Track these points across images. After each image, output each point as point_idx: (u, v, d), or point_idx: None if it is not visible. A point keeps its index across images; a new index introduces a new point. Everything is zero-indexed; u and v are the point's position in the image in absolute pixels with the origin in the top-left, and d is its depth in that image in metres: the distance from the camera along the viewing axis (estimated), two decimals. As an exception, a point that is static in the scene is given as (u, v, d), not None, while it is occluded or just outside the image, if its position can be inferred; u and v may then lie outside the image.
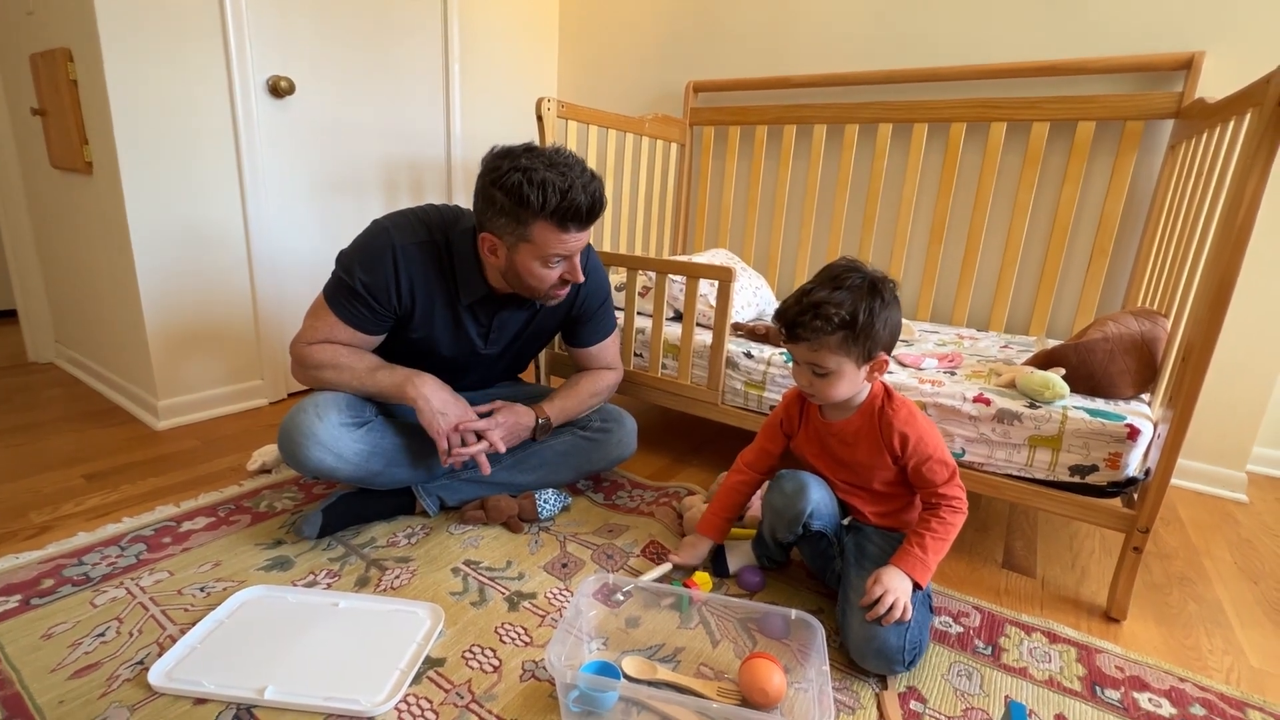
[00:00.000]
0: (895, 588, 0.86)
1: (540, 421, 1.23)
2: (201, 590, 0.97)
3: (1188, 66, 1.42)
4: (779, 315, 0.90)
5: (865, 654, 0.86)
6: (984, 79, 1.66)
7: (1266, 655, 0.98)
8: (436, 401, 1.09)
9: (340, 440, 1.06)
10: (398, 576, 1.03)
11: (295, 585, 1.00)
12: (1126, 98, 1.47)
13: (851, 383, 0.90)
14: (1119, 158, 1.52)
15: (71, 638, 0.86)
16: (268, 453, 1.39)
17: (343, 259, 1.10)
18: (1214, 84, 1.40)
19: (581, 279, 1.10)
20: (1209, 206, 1.02)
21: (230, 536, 1.12)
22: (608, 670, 0.82)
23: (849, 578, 0.95)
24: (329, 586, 1.00)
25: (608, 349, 1.36)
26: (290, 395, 1.88)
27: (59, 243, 1.88)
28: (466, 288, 1.13)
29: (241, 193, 1.65)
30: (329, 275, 1.12)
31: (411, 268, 1.09)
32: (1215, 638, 1.01)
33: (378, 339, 1.14)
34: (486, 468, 1.14)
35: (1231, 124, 1.02)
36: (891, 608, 0.84)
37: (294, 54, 1.69)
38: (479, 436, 1.13)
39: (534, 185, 0.97)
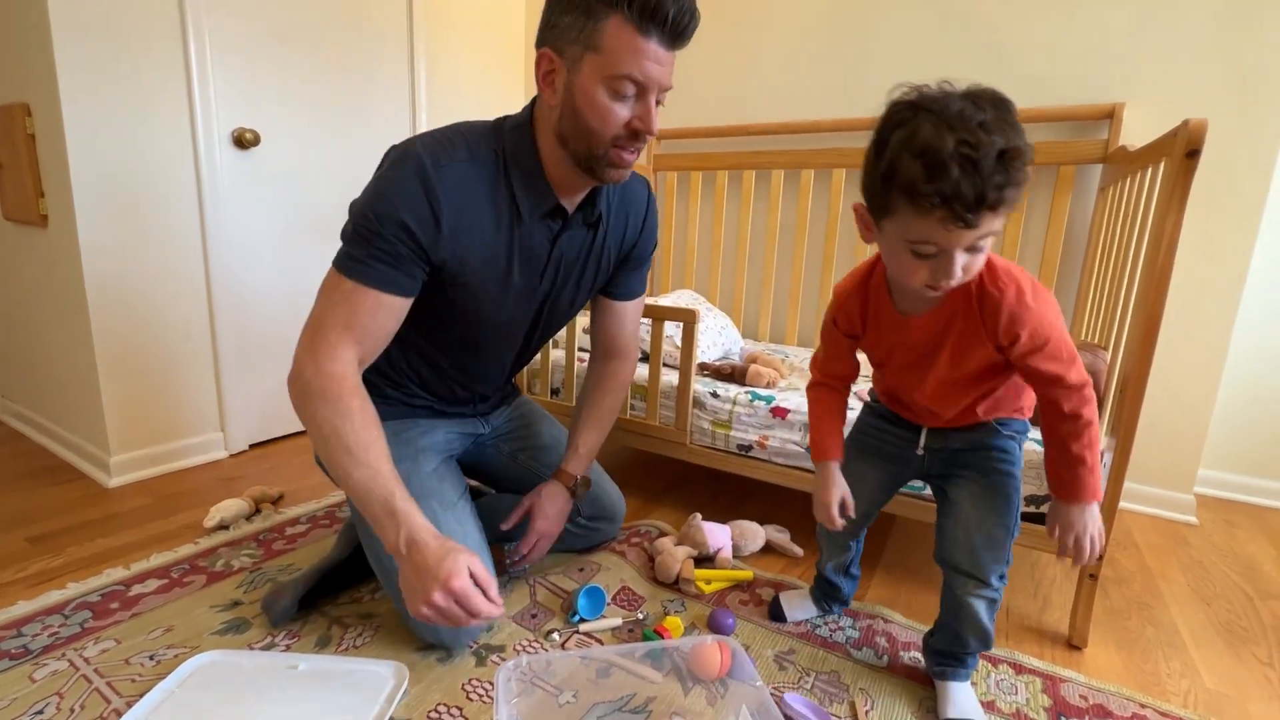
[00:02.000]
0: (1084, 524, 0.76)
1: (576, 490, 1.12)
2: (151, 658, 0.93)
3: (1110, 116, 1.53)
4: (953, 183, 0.61)
5: (973, 563, 0.84)
6: (928, 127, 1.76)
7: (1221, 676, 1.01)
8: (430, 556, 0.78)
9: None
10: (360, 634, 1.00)
11: (252, 648, 0.96)
12: (1059, 144, 1.57)
13: None
14: (1055, 199, 1.61)
15: (6, 717, 0.81)
16: (226, 508, 1.35)
17: (355, 203, 0.86)
18: (1137, 131, 1.51)
19: (655, 129, 0.85)
20: (1135, 246, 1.10)
21: (184, 599, 1.08)
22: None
23: (950, 499, 0.88)
24: (288, 648, 0.97)
25: (638, 311, 1.18)
26: (251, 446, 1.84)
27: (8, 295, 1.83)
28: (530, 196, 0.90)
29: (204, 243, 1.64)
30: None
31: (456, 190, 0.85)
32: (1173, 660, 1.04)
33: (408, 301, 0.89)
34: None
35: (1149, 170, 1.10)
36: (1092, 545, 0.76)
37: (259, 105, 1.71)
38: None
39: None
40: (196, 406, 1.70)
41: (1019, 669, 0.99)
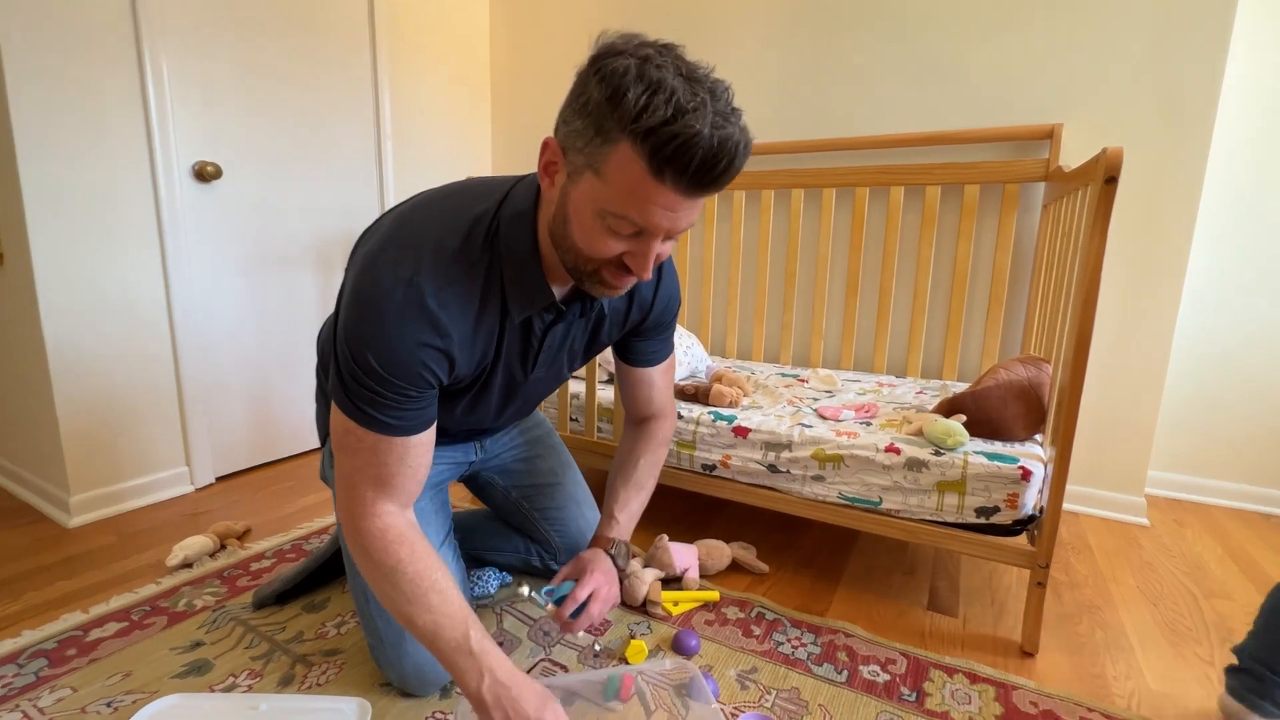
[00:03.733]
0: None
1: (615, 555, 1.01)
2: (109, 705, 0.92)
3: (1050, 136, 1.60)
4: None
5: None
6: (882, 148, 1.82)
7: (1163, 677, 1.05)
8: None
9: None
10: (324, 672, 1.00)
11: (213, 690, 0.95)
12: (1003, 164, 1.64)
13: None
14: (1003, 216, 1.68)
15: (-44, 774, 0.80)
16: (190, 545, 1.33)
17: (353, 343, 0.72)
18: (1073, 151, 1.59)
19: (648, 276, 0.72)
20: (1071, 263, 1.15)
21: (143, 642, 1.07)
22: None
23: None
24: (250, 688, 0.96)
25: (670, 371, 1.08)
26: (218, 479, 1.82)
27: (-36, 333, 1.79)
28: (521, 297, 0.79)
29: (165, 276, 1.63)
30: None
31: (460, 316, 0.76)
32: (1119, 663, 1.08)
33: (434, 424, 0.82)
34: None
35: (1080, 192, 1.16)
36: None
37: (221, 138, 1.71)
38: None
39: (643, 81, 0.61)
40: (160, 441, 1.68)
41: (973, 678, 1.02)
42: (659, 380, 1.06)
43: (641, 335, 1.01)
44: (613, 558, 1.00)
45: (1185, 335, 1.78)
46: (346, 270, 0.79)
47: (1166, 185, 1.54)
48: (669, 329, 1.03)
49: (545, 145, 0.71)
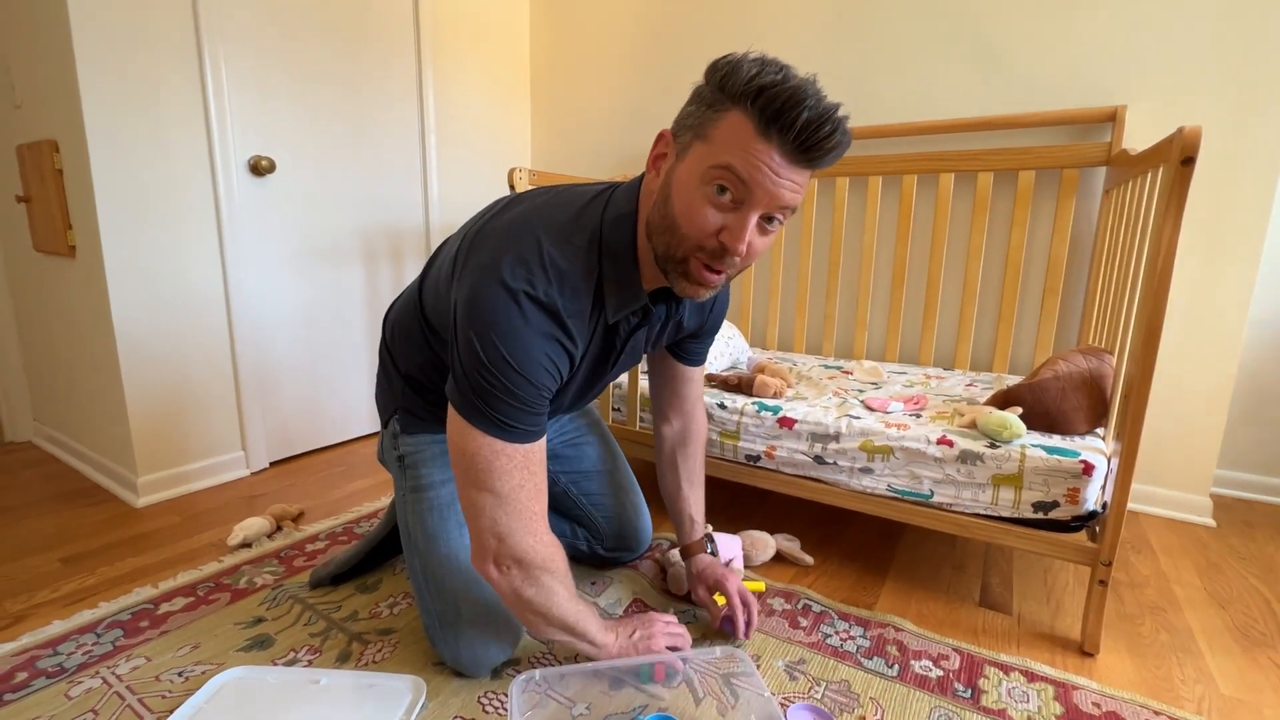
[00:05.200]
0: None
1: (711, 549, 1.16)
2: (180, 675, 0.96)
3: (1113, 119, 1.54)
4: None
5: None
6: (930, 134, 1.77)
7: (1236, 682, 1.00)
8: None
9: None
10: (380, 650, 1.03)
11: (276, 664, 0.99)
12: (1061, 148, 1.57)
13: None
14: (1059, 203, 1.62)
15: (45, 733, 0.85)
16: (249, 526, 1.39)
17: (493, 362, 0.73)
18: (1139, 134, 1.52)
19: (743, 248, 0.71)
20: (1137, 250, 1.10)
21: (209, 616, 1.12)
22: None
23: None
24: (310, 663, 1.00)
25: (704, 372, 1.17)
26: (272, 464, 1.88)
27: (39, 323, 1.90)
28: (618, 298, 0.81)
29: (223, 268, 1.69)
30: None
31: (577, 318, 0.78)
32: (1187, 667, 1.03)
33: None
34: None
35: (1149, 175, 1.11)
36: None
37: (274, 134, 1.76)
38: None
39: (755, 63, 0.66)
40: (218, 426, 1.75)
41: (1031, 676, 0.99)
42: (699, 378, 1.14)
43: (699, 337, 1.07)
44: (711, 553, 1.14)
45: (1259, 327, 1.69)
46: (461, 263, 0.79)
47: (1239, 169, 1.46)
48: (717, 330, 1.10)
49: (659, 138, 0.76)
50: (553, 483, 1.23)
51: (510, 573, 0.81)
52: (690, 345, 1.08)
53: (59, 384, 1.88)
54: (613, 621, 0.95)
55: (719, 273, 0.75)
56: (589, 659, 0.92)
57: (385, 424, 1.08)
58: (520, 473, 0.78)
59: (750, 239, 0.71)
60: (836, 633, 1.10)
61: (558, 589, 0.84)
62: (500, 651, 0.95)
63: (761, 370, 1.49)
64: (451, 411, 0.79)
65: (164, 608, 1.14)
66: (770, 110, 0.65)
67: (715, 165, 0.68)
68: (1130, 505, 1.66)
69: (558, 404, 0.94)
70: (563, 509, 1.25)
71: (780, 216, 0.72)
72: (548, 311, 0.75)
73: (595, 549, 1.24)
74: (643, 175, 0.81)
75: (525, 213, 0.80)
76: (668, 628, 0.97)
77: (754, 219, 0.70)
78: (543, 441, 0.81)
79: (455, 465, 0.79)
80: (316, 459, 1.94)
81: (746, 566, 1.31)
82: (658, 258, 0.77)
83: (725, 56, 0.69)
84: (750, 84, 0.65)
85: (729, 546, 1.28)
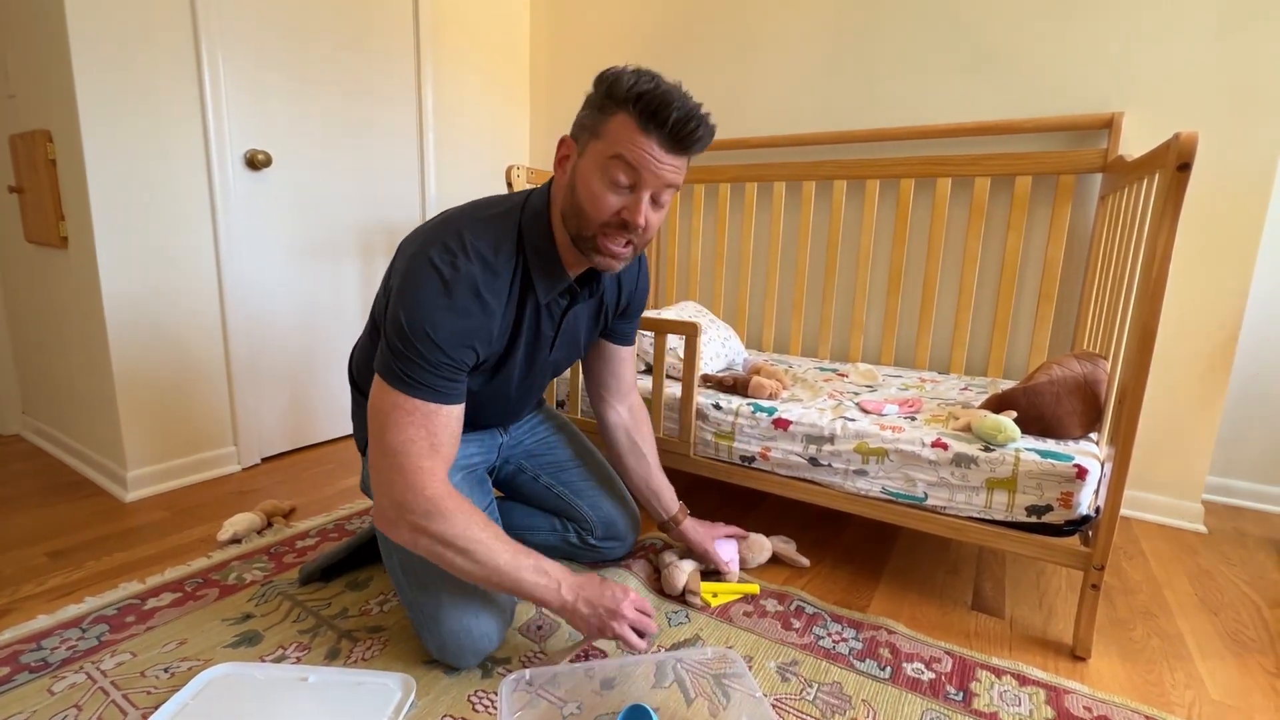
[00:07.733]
0: None
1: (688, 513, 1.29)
2: (166, 671, 0.95)
3: (1109, 125, 1.54)
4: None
5: None
6: (928, 138, 1.77)
7: (1226, 688, 1.00)
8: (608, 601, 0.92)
9: None
10: (369, 647, 1.02)
11: (263, 660, 0.98)
12: (1058, 154, 1.58)
13: None
14: (1056, 208, 1.62)
15: (27, 729, 0.84)
16: (239, 522, 1.37)
17: (413, 322, 0.83)
18: (1135, 140, 1.52)
19: (641, 221, 0.85)
20: (1133, 256, 1.10)
21: (197, 612, 1.10)
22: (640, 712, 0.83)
23: None
24: (298, 660, 0.99)
25: (634, 352, 1.26)
26: (264, 460, 1.87)
27: (30, 314, 1.88)
28: (545, 281, 0.94)
29: (217, 262, 1.68)
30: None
31: (500, 298, 0.90)
32: (1178, 672, 1.04)
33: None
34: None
35: (1145, 181, 1.11)
36: None
37: (271, 128, 1.75)
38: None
39: (633, 73, 0.82)
40: (210, 421, 1.73)
41: (1023, 680, 0.99)
42: (630, 357, 1.24)
43: (625, 316, 1.17)
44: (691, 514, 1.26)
45: (1252, 335, 1.70)
46: (393, 268, 0.92)
47: (1234, 176, 1.47)
48: (641, 311, 1.21)
49: (561, 142, 0.90)
50: (534, 479, 1.26)
51: (400, 525, 0.85)
52: (619, 326, 1.18)
53: (48, 376, 1.86)
54: (557, 567, 0.92)
55: (625, 245, 0.89)
56: (543, 601, 0.90)
57: (364, 452, 1.11)
58: (414, 429, 0.84)
59: (645, 214, 0.86)
60: (829, 634, 1.09)
61: (457, 520, 0.85)
62: (485, 635, 0.95)
63: (757, 372, 1.49)
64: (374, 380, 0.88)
65: (151, 603, 1.13)
66: (648, 111, 0.80)
67: (610, 156, 0.83)
68: (1123, 511, 1.66)
69: (504, 383, 1.03)
70: (548, 504, 1.26)
71: (666, 195, 0.87)
72: (468, 287, 0.85)
73: (586, 539, 1.24)
74: (552, 179, 0.95)
75: (450, 214, 0.92)
76: (637, 602, 0.95)
77: (646, 197, 0.85)
78: (451, 410, 0.88)
79: (369, 429, 0.88)
80: (307, 455, 1.93)
81: (742, 569, 1.30)
82: (573, 239, 0.90)
83: (609, 69, 0.85)
84: (630, 90, 0.80)
85: (725, 549, 1.28)
